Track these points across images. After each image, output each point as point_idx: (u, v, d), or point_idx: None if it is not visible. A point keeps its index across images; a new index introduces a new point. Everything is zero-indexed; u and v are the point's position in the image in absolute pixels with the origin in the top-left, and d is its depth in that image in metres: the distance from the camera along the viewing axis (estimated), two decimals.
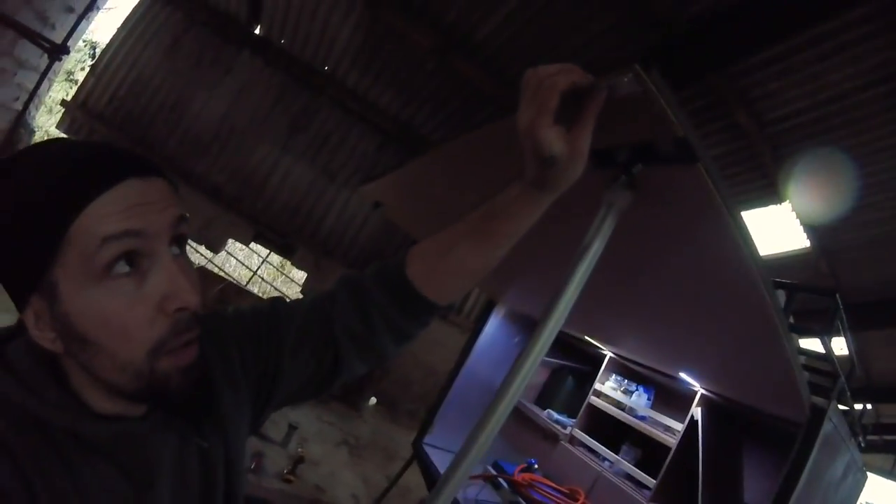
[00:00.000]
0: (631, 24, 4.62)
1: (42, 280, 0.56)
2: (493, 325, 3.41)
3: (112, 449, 0.62)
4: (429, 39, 6.05)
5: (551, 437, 3.19)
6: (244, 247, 10.32)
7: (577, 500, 2.66)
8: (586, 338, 3.07)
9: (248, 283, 11.04)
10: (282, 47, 7.59)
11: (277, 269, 14.79)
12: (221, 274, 9.53)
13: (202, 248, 8.72)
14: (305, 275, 8.88)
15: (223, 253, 10.43)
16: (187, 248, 0.68)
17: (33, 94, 5.62)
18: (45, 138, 0.69)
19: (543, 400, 3.52)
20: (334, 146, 8.15)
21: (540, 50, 5.35)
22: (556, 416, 3.24)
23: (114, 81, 7.71)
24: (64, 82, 15.21)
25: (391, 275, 0.84)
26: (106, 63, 7.75)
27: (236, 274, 12.39)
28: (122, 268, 0.56)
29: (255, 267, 12.04)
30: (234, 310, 0.85)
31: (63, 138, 0.68)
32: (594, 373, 3.27)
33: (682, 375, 2.57)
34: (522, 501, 2.60)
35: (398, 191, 2.21)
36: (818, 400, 1.94)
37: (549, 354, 3.14)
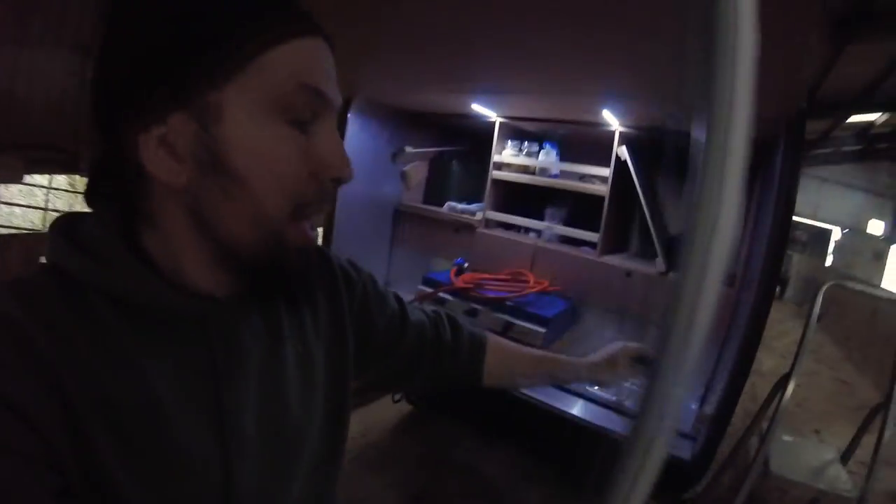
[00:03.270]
0: None
1: (204, 96, 0.47)
2: (354, 126, 2.69)
3: (194, 328, 0.54)
4: None
5: (465, 229, 2.79)
6: None
7: (528, 281, 2.44)
8: (473, 106, 2.55)
9: None
10: None
11: None
12: None
13: None
14: None
15: None
16: None
17: None
18: None
19: (434, 195, 3.06)
20: None
21: None
22: (459, 206, 2.84)
23: None
24: None
25: (475, 351, 0.95)
26: None
27: None
28: (303, 118, 0.51)
29: None
30: (366, 273, 0.84)
31: None
32: (475, 150, 2.88)
33: (604, 114, 2.26)
34: (478, 306, 2.29)
35: None
36: None
37: (420, 144, 2.62)
